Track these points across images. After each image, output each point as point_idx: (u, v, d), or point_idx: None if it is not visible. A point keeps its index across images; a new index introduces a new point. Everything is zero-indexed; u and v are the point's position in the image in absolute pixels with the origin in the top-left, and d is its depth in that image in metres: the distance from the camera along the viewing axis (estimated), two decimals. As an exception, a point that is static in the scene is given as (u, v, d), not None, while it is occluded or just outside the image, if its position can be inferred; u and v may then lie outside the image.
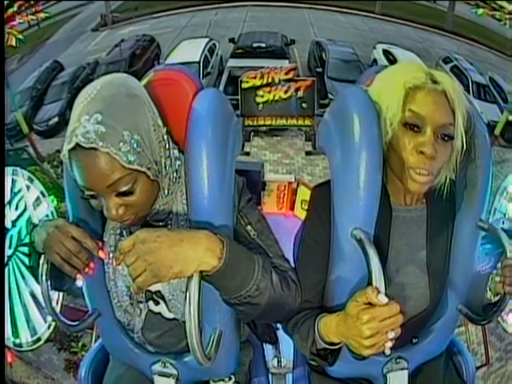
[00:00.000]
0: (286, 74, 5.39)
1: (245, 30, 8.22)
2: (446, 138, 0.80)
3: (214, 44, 8.00)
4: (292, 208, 5.64)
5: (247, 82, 5.39)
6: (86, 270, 0.79)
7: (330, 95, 6.74)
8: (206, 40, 7.92)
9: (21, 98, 6.75)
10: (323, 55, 7.62)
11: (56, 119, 6.86)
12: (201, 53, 7.42)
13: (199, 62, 7.20)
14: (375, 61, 7.87)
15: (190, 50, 7.63)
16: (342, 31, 8.51)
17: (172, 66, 0.88)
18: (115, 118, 0.70)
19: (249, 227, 0.86)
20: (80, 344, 3.78)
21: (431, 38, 8.70)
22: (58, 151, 5.62)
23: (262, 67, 7.00)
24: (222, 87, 6.60)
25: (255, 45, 7.55)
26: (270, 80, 5.38)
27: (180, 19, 8.87)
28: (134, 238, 0.68)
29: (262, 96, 5.46)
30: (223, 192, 0.80)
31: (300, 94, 5.45)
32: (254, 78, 5.38)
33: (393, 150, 0.82)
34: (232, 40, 7.87)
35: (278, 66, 7.03)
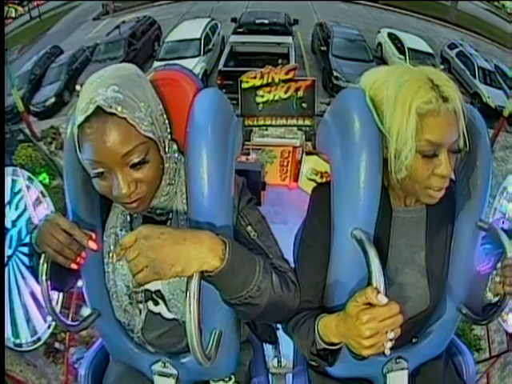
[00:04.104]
0: (286, 74, 5.38)
1: (247, 15, 8.17)
2: (456, 150, 0.80)
3: (216, 24, 7.93)
4: (296, 179, 5.36)
5: (247, 81, 5.37)
6: (78, 259, 0.78)
7: (334, 72, 6.67)
8: (208, 19, 7.87)
9: (20, 81, 6.70)
10: (327, 38, 7.49)
11: (53, 99, 6.87)
12: (202, 30, 7.40)
13: (200, 39, 7.21)
14: (380, 44, 7.82)
15: (192, 28, 7.61)
16: (346, 18, 8.44)
17: (172, 66, 0.87)
18: (130, 90, 0.73)
19: (249, 228, 0.87)
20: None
21: (435, 29, 8.68)
22: (53, 127, 5.62)
23: (265, 42, 6.88)
24: (222, 61, 6.56)
25: (258, 21, 7.47)
26: (270, 80, 5.36)
27: (181, 6, 8.85)
28: (136, 234, 0.68)
29: (262, 96, 5.44)
30: (223, 192, 0.80)
31: (300, 94, 5.44)
32: (254, 78, 5.37)
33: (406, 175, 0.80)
34: (234, 20, 7.77)
35: (281, 41, 6.90)
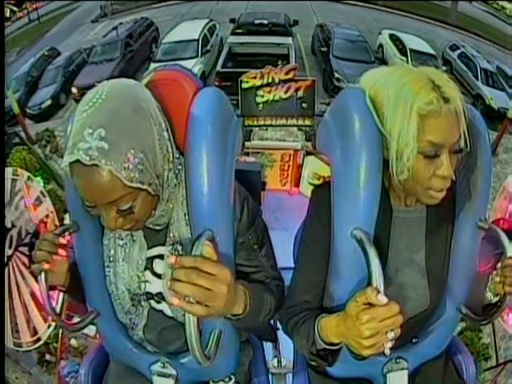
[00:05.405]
0: (286, 74, 5.37)
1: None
2: (458, 151, 0.80)
3: (214, 25, 7.84)
4: (297, 184, 5.14)
5: (247, 82, 5.36)
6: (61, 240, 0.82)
7: (336, 74, 6.60)
8: (206, 20, 7.78)
9: (16, 83, 6.64)
10: (328, 39, 7.43)
11: (49, 102, 6.82)
12: (200, 31, 7.32)
13: (198, 40, 7.13)
14: (381, 46, 7.78)
15: (190, 29, 7.53)
16: (346, 19, 8.42)
17: (172, 66, 0.87)
18: (119, 135, 0.68)
19: (255, 246, 0.90)
20: (52, 334, 3.53)
21: (435, 31, 8.67)
22: (47, 130, 5.56)
23: (264, 43, 6.74)
24: (220, 61, 6.48)
25: (257, 22, 7.34)
26: (270, 80, 5.35)
27: (180, 8, 8.85)
28: (217, 270, 0.66)
29: (262, 96, 5.42)
30: (223, 191, 0.80)
31: (300, 93, 5.42)
32: (254, 78, 5.36)
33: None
34: (233, 20, 7.63)
35: (280, 42, 6.79)
